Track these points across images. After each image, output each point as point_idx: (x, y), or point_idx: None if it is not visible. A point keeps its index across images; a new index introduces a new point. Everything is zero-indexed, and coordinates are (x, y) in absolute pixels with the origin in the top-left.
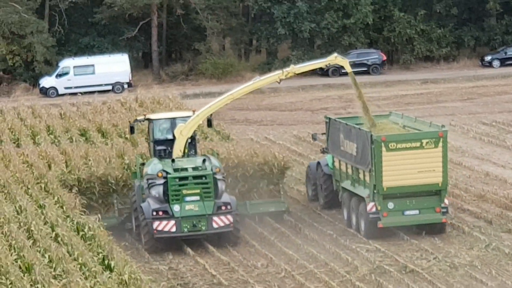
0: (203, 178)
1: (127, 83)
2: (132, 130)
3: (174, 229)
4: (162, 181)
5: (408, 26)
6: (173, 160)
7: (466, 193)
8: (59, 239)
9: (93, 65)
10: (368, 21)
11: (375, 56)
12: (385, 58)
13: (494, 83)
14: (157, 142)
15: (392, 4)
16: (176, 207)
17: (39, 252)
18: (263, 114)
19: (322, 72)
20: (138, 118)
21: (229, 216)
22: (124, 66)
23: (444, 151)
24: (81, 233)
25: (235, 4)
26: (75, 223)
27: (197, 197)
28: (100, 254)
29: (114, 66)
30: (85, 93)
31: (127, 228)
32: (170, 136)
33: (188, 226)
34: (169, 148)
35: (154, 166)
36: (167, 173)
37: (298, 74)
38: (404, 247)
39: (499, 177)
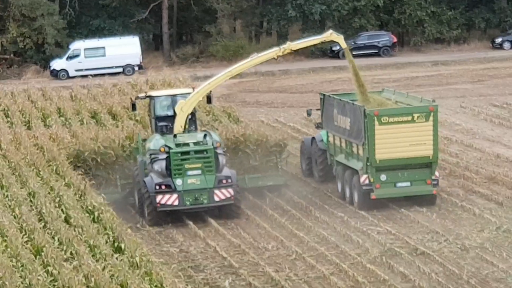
0: (205, 152)
1: (138, 65)
2: (134, 107)
3: (176, 203)
4: (164, 156)
5: (419, 8)
6: (175, 136)
7: (477, 175)
8: (70, 221)
9: (103, 48)
10: (379, 3)
11: (385, 38)
12: (395, 40)
13: (505, 65)
14: (159, 118)
15: None
16: (178, 181)
17: (50, 234)
18: (274, 96)
19: (333, 54)
20: (140, 95)
21: (230, 189)
22: (134, 48)
23: (435, 125)
24: (92, 215)
25: None
26: (86, 205)
27: (199, 171)
28: (111, 237)
29: (124, 48)
30: (96, 75)
31: (130, 202)
32: (171, 113)
33: (190, 200)
34: (170, 124)
35: (156, 142)
36: (169, 148)
37: (295, 50)
38: (415, 229)
39: (510, 159)
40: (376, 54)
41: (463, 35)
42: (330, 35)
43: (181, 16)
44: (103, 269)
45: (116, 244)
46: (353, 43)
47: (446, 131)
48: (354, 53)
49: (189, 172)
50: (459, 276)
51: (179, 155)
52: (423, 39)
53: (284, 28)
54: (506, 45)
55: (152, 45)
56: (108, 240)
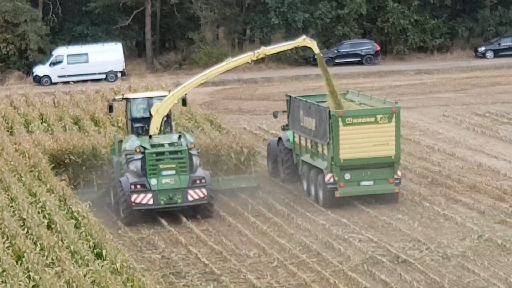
0: (179, 153)
1: (121, 72)
2: (110, 109)
3: (151, 202)
4: (140, 156)
5: (402, 17)
6: (150, 137)
7: (459, 184)
8: (52, 226)
9: (86, 54)
10: (362, 11)
11: (368, 46)
12: (378, 48)
13: (488, 74)
14: (135, 120)
15: None
16: (153, 181)
17: (32, 240)
18: (256, 103)
19: (316, 62)
20: (117, 97)
21: (203, 190)
22: (117, 55)
23: (397, 126)
24: (73, 221)
25: None
26: (68, 211)
27: (173, 172)
28: (92, 242)
29: (107, 55)
30: (79, 81)
31: (106, 202)
32: (146, 115)
33: (165, 199)
34: (146, 126)
35: (132, 142)
36: (144, 148)
37: (268, 55)
38: (397, 237)
39: (492, 168)
40: (359, 62)
41: (446, 44)
42: (303, 40)
43: (164, 23)
44: (85, 275)
45: (97, 250)
46: (336, 51)
47: (429, 140)
48: (337, 61)
49: (164, 172)
50: (440, 285)
51: (154, 155)
52: (406, 47)
53: (267, 36)
54: (489, 54)
55: (135, 52)
56: (89, 246)
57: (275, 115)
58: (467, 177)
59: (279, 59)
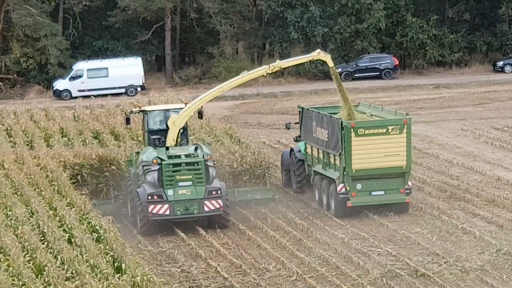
0: (195, 164)
1: (140, 86)
2: (128, 121)
3: (168, 212)
4: (156, 167)
5: (421, 31)
6: (167, 148)
7: (477, 198)
8: (72, 240)
9: (106, 68)
10: (381, 26)
11: (387, 60)
12: (397, 62)
13: (506, 88)
14: (151, 132)
15: (405, 9)
16: (170, 192)
17: (52, 253)
18: (276, 118)
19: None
20: (134, 110)
21: (219, 201)
22: (137, 69)
23: (408, 136)
24: (94, 235)
25: (249, 8)
26: (87, 224)
27: (190, 183)
28: (112, 256)
29: (127, 69)
30: (98, 96)
31: (123, 213)
32: (163, 127)
33: (181, 210)
34: (162, 138)
35: (149, 154)
36: (161, 160)
37: (283, 68)
38: (416, 250)
39: (510, 181)
40: (378, 77)
41: (465, 58)
42: (317, 54)
43: (184, 37)
44: None
45: (116, 264)
46: (355, 66)
47: (447, 154)
48: (356, 75)
49: (180, 183)
50: None
51: (171, 166)
52: (424, 62)
53: (287, 50)
54: (508, 68)
55: (154, 66)
56: (109, 260)
57: (287, 126)
58: (486, 191)
59: (298, 73)
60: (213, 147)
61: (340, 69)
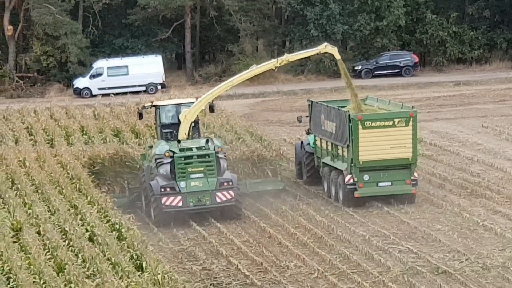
0: (207, 157)
1: (161, 84)
2: (140, 116)
3: (180, 204)
4: (169, 160)
5: (441, 28)
6: (178, 141)
7: (498, 195)
8: (94, 238)
9: (126, 66)
10: (401, 23)
11: (407, 58)
12: (417, 60)
13: None
14: (164, 126)
15: (425, 6)
16: (182, 184)
17: (73, 252)
18: (296, 115)
19: (355, 74)
20: (146, 104)
21: (231, 192)
22: (157, 67)
23: (414, 129)
24: (115, 233)
25: (268, 6)
26: (108, 222)
27: (201, 174)
28: (133, 254)
29: (147, 67)
30: (119, 94)
31: (137, 206)
32: (175, 121)
33: (194, 201)
34: (174, 131)
35: (161, 147)
36: (173, 152)
37: (291, 61)
38: (437, 248)
39: None
40: (398, 74)
41: (485, 55)
42: (325, 47)
43: (204, 35)
44: (126, 287)
45: (138, 262)
46: (375, 63)
47: (468, 151)
48: (376, 72)
49: (192, 175)
50: None
51: (183, 159)
52: (444, 59)
53: (307, 48)
54: None
55: (175, 64)
56: (130, 258)
57: (299, 119)
58: (507, 188)
59: (319, 71)
60: (234, 145)
61: (360, 67)
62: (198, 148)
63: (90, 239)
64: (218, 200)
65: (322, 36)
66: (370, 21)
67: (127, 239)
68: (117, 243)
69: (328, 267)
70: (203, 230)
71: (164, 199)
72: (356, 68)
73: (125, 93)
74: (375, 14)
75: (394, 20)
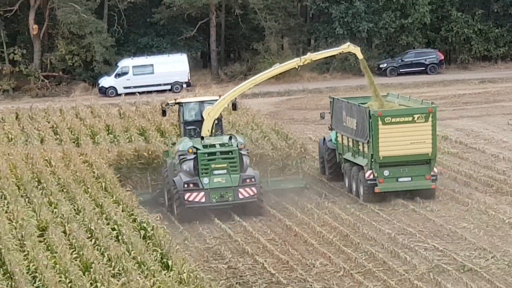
0: (230, 153)
1: (186, 82)
2: (164, 113)
3: (203, 200)
4: (192, 156)
5: (466, 26)
6: (202, 138)
7: None
8: (120, 237)
9: (152, 65)
10: (426, 21)
11: (432, 55)
12: (442, 57)
13: None
14: (187, 123)
15: (450, 4)
16: (205, 180)
17: (99, 251)
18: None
19: (380, 72)
20: (170, 102)
21: (253, 188)
22: (182, 65)
23: (434, 125)
24: (143, 231)
25: (293, 4)
26: (133, 221)
27: (224, 171)
28: (159, 253)
29: (173, 65)
30: (144, 92)
31: (160, 202)
32: (198, 118)
33: (216, 197)
34: (198, 128)
35: (185, 144)
36: (197, 149)
37: (314, 60)
38: (463, 245)
39: None
40: (423, 72)
41: (510, 52)
42: (347, 46)
43: (229, 34)
44: (152, 285)
45: (164, 261)
46: (400, 61)
47: (494, 148)
48: (401, 70)
49: (215, 172)
50: None
51: (206, 155)
52: (470, 56)
53: (332, 46)
54: None
55: (200, 63)
56: (156, 257)
57: (322, 116)
58: None
59: (344, 69)
60: (260, 143)
61: (385, 65)
62: (221, 145)
63: (116, 238)
64: (240, 196)
65: (347, 34)
66: (395, 18)
67: (153, 238)
68: (142, 241)
69: (354, 265)
70: (228, 229)
71: (187, 195)
72: (381, 66)
73: (151, 92)
74: (400, 12)
75: (419, 17)
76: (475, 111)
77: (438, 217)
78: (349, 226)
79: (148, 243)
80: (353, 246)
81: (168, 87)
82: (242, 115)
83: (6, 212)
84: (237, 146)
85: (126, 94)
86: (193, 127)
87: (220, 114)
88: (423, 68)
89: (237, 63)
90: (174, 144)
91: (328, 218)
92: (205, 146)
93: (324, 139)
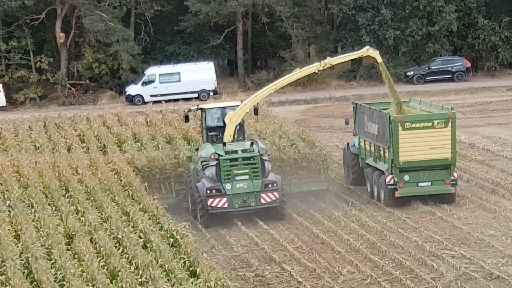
0: (252, 159)
1: (213, 90)
2: (186, 119)
3: (226, 205)
4: (215, 162)
5: (493, 33)
6: (224, 144)
7: None
8: (148, 245)
9: (178, 73)
10: (453, 28)
11: (459, 63)
12: (469, 65)
13: None
14: (209, 129)
15: (476, 11)
16: (227, 185)
17: (126, 259)
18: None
19: (407, 79)
20: (192, 108)
21: (275, 193)
22: (209, 73)
23: (453, 130)
24: (170, 239)
25: (320, 12)
26: (160, 229)
27: (246, 176)
28: (186, 261)
29: (199, 73)
30: (170, 100)
31: (184, 207)
32: (220, 123)
33: (239, 202)
34: (220, 134)
35: (207, 150)
36: (219, 155)
37: (334, 65)
38: (490, 253)
39: None
40: (450, 79)
41: None
42: (366, 50)
43: (256, 41)
44: None
45: (191, 269)
46: (427, 68)
47: None
48: (428, 78)
49: (238, 177)
50: None
51: (228, 161)
52: (497, 64)
53: None
54: None
55: (226, 71)
56: (183, 265)
57: (346, 121)
58: None
59: (371, 76)
60: (287, 151)
61: (412, 72)
62: (243, 151)
63: (144, 246)
64: (262, 201)
65: (374, 41)
66: (422, 26)
67: (180, 246)
68: (170, 249)
69: (381, 273)
70: (256, 237)
71: (210, 200)
72: (408, 73)
73: (177, 100)
74: (427, 19)
75: (446, 25)
76: (502, 118)
77: (465, 224)
78: (376, 234)
79: (175, 251)
80: (380, 253)
81: (195, 95)
82: (269, 123)
83: (33, 220)
84: (259, 151)
85: (153, 102)
86: (215, 133)
87: (242, 119)
88: (450, 76)
89: (264, 71)
90: (197, 150)
91: (355, 225)
92: (227, 152)
93: (348, 144)
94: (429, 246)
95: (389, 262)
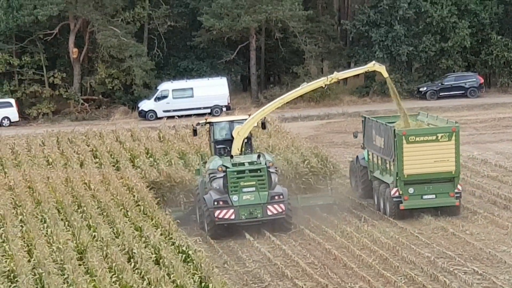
0: (258, 171)
1: (226, 106)
2: (195, 132)
3: (233, 217)
4: (222, 174)
5: (506, 49)
6: (231, 156)
7: None
8: (160, 261)
9: (191, 88)
10: (466, 44)
11: (472, 79)
12: (482, 81)
13: None
14: (217, 142)
15: (490, 27)
16: (234, 197)
17: (139, 274)
18: (361, 137)
19: (420, 95)
20: (200, 121)
21: (281, 205)
22: (222, 89)
23: (457, 143)
24: (183, 255)
25: (333, 28)
26: (172, 244)
27: (253, 188)
28: (198, 276)
29: (212, 89)
30: (183, 116)
31: (192, 219)
32: (228, 137)
33: (246, 214)
34: (228, 147)
35: (215, 162)
36: (226, 167)
37: (341, 79)
38: (502, 269)
39: None
40: (463, 95)
41: None
42: (373, 65)
43: (269, 57)
44: None
45: (203, 284)
46: (440, 84)
47: None
48: (441, 94)
49: (244, 189)
50: None
51: (235, 173)
52: (510, 80)
53: None
54: None
55: (240, 86)
56: (195, 280)
57: (354, 135)
58: None
59: (383, 92)
60: (300, 166)
61: (425, 88)
62: (250, 163)
63: (156, 261)
64: (269, 213)
65: (387, 57)
66: (435, 42)
67: (192, 261)
68: (182, 265)
69: None
70: (268, 252)
71: (217, 212)
72: (421, 89)
73: (190, 115)
74: (440, 35)
75: (459, 41)
76: None
77: (477, 240)
78: (389, 250)
79: (188, 267)
80: (393, 269)
81: (208, 110)
82: (282, 138)
83: (45, 235)
84: (266, 164)
85: (166, 117)
86: (223, 146)
87: (250, 133)
88: (463, 92)
89: (277, 86)
90: (205, 162)
91: (367, 241)
92: (234, 165)
93: (358, 157)
94: (441, 262)
95: (401, 278)
